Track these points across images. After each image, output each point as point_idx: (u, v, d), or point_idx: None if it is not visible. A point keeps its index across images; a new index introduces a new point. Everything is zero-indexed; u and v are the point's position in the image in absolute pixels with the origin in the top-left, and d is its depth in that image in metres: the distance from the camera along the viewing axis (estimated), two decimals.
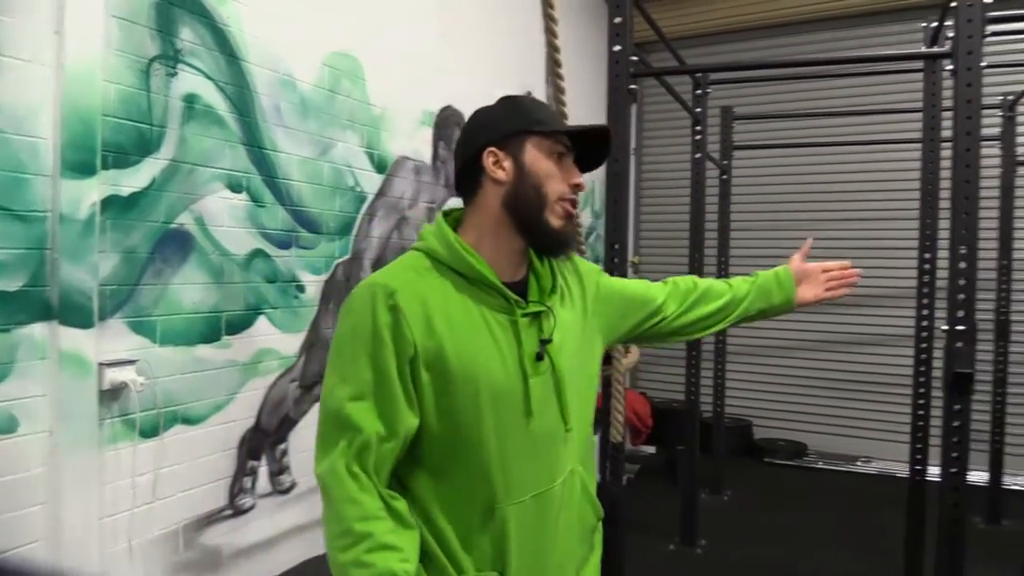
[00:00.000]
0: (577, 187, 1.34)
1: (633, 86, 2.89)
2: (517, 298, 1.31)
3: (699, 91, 4.54)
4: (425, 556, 1.28)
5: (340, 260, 3.45)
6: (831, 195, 6.37)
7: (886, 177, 6.11)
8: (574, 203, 1.34)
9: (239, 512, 2.94)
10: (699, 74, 4.55)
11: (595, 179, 6.29)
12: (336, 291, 3.41)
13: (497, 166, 1.32)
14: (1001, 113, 4.84)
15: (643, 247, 7.18)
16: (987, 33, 2.48)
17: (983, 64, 2.52)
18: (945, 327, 2.55)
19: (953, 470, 2.58)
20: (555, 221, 1.31)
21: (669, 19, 6.28)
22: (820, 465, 6.09)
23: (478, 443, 1.26)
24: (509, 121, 1.34)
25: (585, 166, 1.40)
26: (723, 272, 5.34)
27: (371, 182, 3.65)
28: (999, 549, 4.26)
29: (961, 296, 2.53)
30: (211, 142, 2.78)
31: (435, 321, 1.24)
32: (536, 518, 1.32)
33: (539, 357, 1.31)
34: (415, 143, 3.99)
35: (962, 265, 2.53)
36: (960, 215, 2.50)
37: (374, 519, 1.21)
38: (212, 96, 2.78)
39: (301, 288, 3.23)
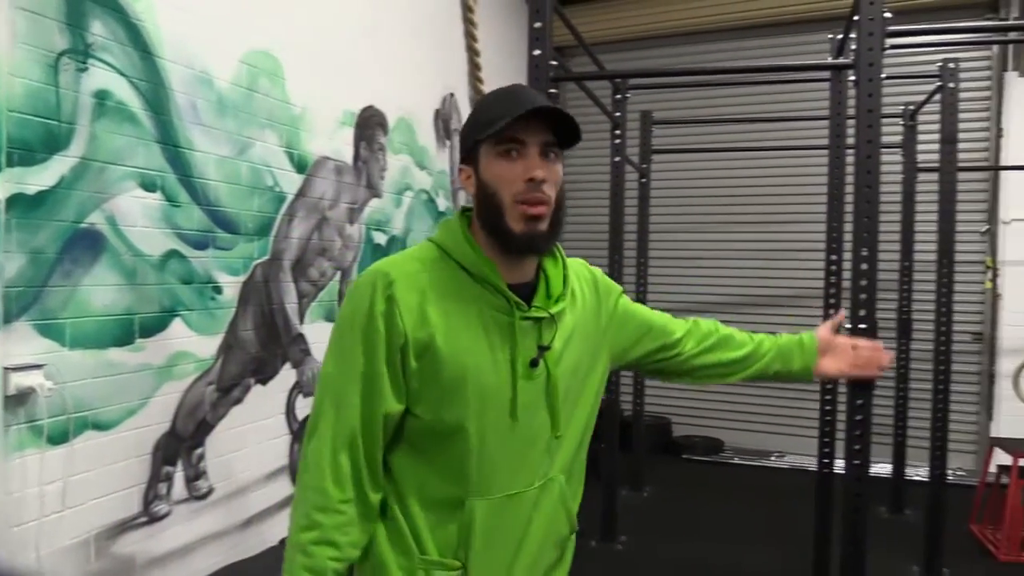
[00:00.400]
0: (532, 181, 1.25)
1: (553, 90, 2.93)
2: (518, 300, 1.30)
3: (618, 96, 4.63)
4: (395, 533, 1.31)
5: (259, 261, 3.40)
6: (745, 198, 6.57)
7: (796, 181, 6.35)
8: (535, 200, 1.26)
9: (154, 519, 2.87)
10: (618, 79, 4.63)
11: None
12: (254, 292, 3.36)
13: (468, 182, 1.33)
14: (903, 122, 5.08)
15: (563, 248, 7.26)
16: (887, 47, 2.59)
17: (883, 76, 2.64)
18: (848, 326, 2.66)
19: (856, 462, 2.69)
20: (515, 225, 1.26)
21: (589, 24, 6.39)
22: (736, 460, 6.26)
23: (459, 435, 1.27)
24: (468, 133, 1.33)
25: (565, 142, 1.32)
26: (642, 272, 5.46)
27: (291, 182, 3.60)
28: (902, 537, 4.47)
29: (863, 296, 2.65)
30: (123, 140, 2.71)
31: (430, 312, 1.25)
32: (505, 517, 1.32)
33: (534, 363, 1.30)
34: (336, 143, 3.96)
35: (863, 267, 2.65)
36: (862, 219, 2.62)
37: (332, 511, 1.24)
38: (125, 92, 2.71)
39: (218, 289, 3.17)
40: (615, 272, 4.64)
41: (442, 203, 5.21)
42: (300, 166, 3.67)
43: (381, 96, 4.37)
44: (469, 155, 1.32)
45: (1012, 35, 5.38)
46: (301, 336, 3.68)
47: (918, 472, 5.61)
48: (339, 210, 3.98)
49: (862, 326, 2.66)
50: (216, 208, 3.14)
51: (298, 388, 3.67)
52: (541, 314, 1.32)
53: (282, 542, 3.25)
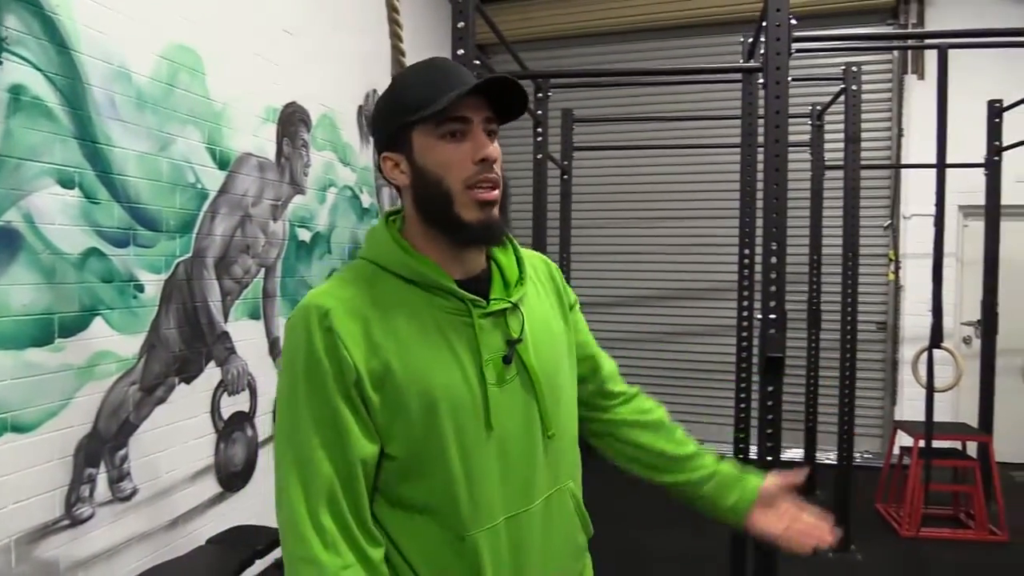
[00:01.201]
0: (485, 162, 1.13)
1: None
2: (474, 297, 1.17)
3: (540, 95, 4.72)
4: None
5: (181, 259, 3.36)
6: (664, 195, 6.77)
7: (711, 178, 6.57)
8: (490, 182, 1.14)
9: (77, 522, 2.81)
10: (540, 79, 4.72)
11: None
12: (177, 290, 3.32)
13: (396, 170, 1.18)
14: (811, 122, 5.32)
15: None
16: (793, 52, 2.73)
17: (790, 79, 2.79)
18: (759, 316, 2.81)
19: (769, 445, 2.84)
20: (468, 214, 1.13)
21: (511, 23, 6.48)
22: None
23: (440, 466, 1.12)
24: (391, 117, 1.16)
25: (506, 116, 1.20)
26: (564, 267, 5.56)
27: (213, 179, 3.57)
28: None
29: (772, 288, 2.79)
30: (40, 136, 2.65)
31: (377, 337, 1.11)
32: (513, 542, 1.17)
33: (507, 360, 1.17)
34: (259, 140, 3.93)
35: (773, 260, 2.79)
36: (771, 215, 2.76)
37: None
38: (41, 88, 2.65)
39: (140, 288, 3.12)
40: None
41: (366, 199, 5.21)
42: (222, 163, 3.63)
43: (304, 92, 4.35)
44: (395, 142, 1.17)
45: (910, 41, 5.71)
46: (226, 334, 3.65)
47: (828, 456, 5.88)
48: (262, 207, 3.95)
49: (772, 316, 2.81)
50: (136, 205, 3.09)
51: (223, 387, 3.63)
52: (502, 305, 1.20)
53: (208, 540, 3.24)
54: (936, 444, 4.82)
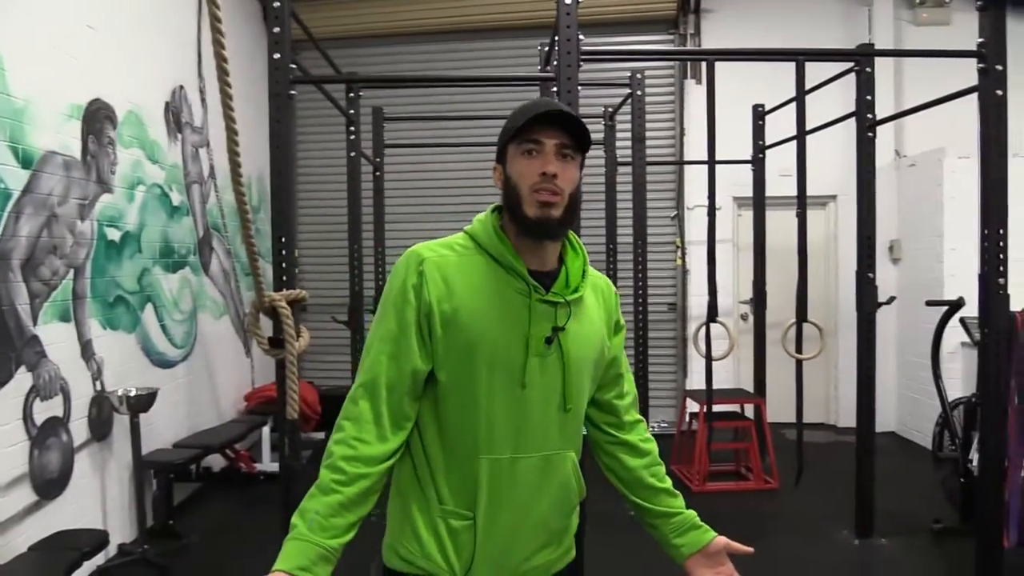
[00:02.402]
0: (545, 175, 1.42)
1: (293, 91, 3.13)
2: (536, 284, 1.45)
3: (351, 95, 4.87)
4: (418, 480, 1.48)
5: None
6: (472, 189, 7.09)
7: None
8: (549, 190, 1.42)
9: None
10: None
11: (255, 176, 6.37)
12: None
13: (499, 178, 1.51)
14: (603, 122, 5.80)
15: (303, 243, 7.34)
16: (581, 64, 3.07)
17: (580, 85, 3.13)
18: None
19: None
20: (531, 211, 1.43)
21: (318, 20, 6.55)
22: None
23: (470, 399, 1.43)
24: (501, 137, 1.51)
25: (582, 147, 1.49)
26: (379, 261, 5.76)
27: (16, 178, 3.46)
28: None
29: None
30: None
31: (456, 289, 1.43)
32: (510, 479, 1.45)
33: (548, 341, 1.45)
34: (63, 138, 3.84)
35: None
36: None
37: (343, 444, 1.41)
38: None
39: None
40: (353, 262, 4.91)
41: (176, 197, 5.15)
42: (25, 161, 3.53)
43: (109, 89, 4.26)
44: (499, 155, 1.52)
45: (688, 57, 6.34)
46: (36, 338, 3.56)
47: None
48: (69, 206, 3.86)
49: None
50: None
51: (35, 392, 3.54)
52: (557, 299, 1.47)
53: (30, 548, 3.18)
54: (718, 408, 5.47)
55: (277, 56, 3.12)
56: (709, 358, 4.48)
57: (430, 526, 1.46)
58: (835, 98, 5.06)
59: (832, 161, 6.63)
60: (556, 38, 3.10)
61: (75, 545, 3.11)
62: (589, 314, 1.55)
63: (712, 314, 4.35)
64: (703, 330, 4.62)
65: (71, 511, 3.76)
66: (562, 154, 1.45)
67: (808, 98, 4.02)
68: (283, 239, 3.09)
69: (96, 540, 3.17)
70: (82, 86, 4.03)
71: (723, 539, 1.58)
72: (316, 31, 4.17)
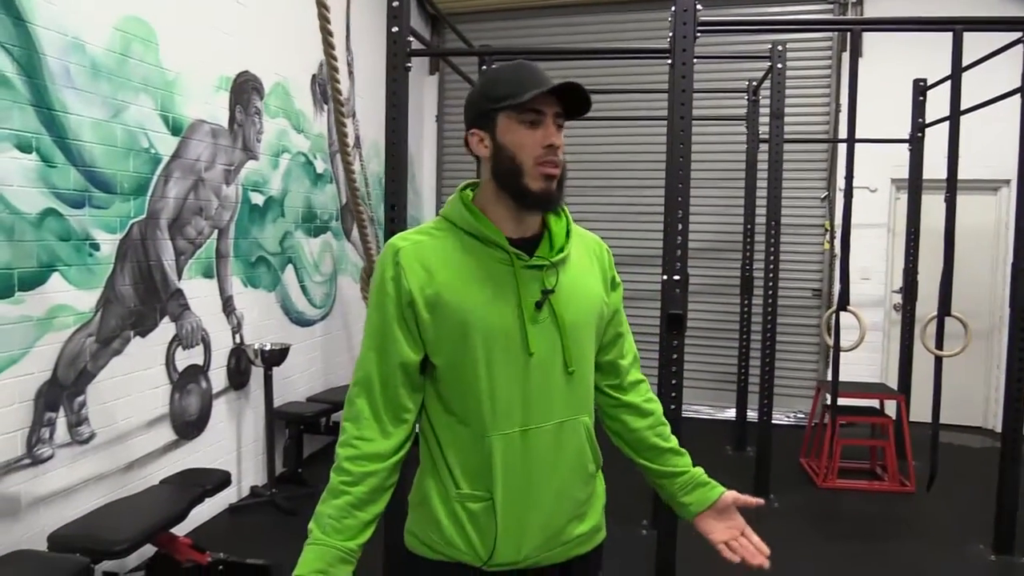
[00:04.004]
0: (551, 147, 1.41)
1: (409, 64, 3.21)
2: (517, 252, 1.44)
3: (484, 67, 4.92)
4: (435, 469, 1.48)
5: (136, 220, 3.57)
6: (599, 164, 7.03)
7: (643, 149, 6.90)
8: (553, 163, 1.42)
9: (37, 461, 3.05)
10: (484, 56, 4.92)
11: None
12: (132, 249, 3.54)
13: (480, 144, 1.46)
14: (747, 97, 5.55)
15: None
16: (697, 36, 2.97)
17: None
18: (664, 277, 3.08)
19: (672, 406, 3.10)
20: (535, 184, 1.41)
21: None
22: None
23: (470, 377, 1.42)
24: (484, 101, 1.45)
25: (575, 112, 1.46)
26: None
27: (166, 144, 3.77)
28: (742, 471, 5.04)
29: (678, 252, 3.07)
30: None
31: (436, 272, 1.42)
32: (525, 451, 1.44)
33: (538, 305, 1.43)
34: (212, 107, 4.13)
35: (679, 227, 3.07)
36: (675, 185, 3.03)
37: (346, 445, 1.43)
38: None
39: (96, 246, 3.33)
40: None
41: (320, 165, 5.42)
42: (175, 129, 3.83)
43: (257, 61, 4.54)
44: (482, 121, 1.45)
45: (825, 28, 5.94)
46: (180, 292, 3.88)
47: (753, 415, 6.21)
48: (215, 171, 4.16)
49: (676, 278, 3.08)
50: (92, 169, 3.29)
51: (177, 341, 3.87)
52: (542, 262, 1.46)
53: (161, 481, 3.50)
54: (855, 403, 5.18)
55: (395, 30, 3.20)
56: (837, 348, 4.25)
57: (449, 513, 1.46)
58: (1014, 71, 4.61)
59: (1007, 142, 6.05)
60: (673, 9, 3.00)
61: (200, 482, 3.39)
62: (582, 273, 1.53)
63: (843, 302, 4.12)
64: (832, 318, 4.39)
65: (207, 452, 4.10)
66: (557, 124, 1.44)
67: (980, 71, 3.67)
68: (394, 207, 3.20)
69: (219, 479, 3.44)
70: (231, 59, 4.31)
71: (732, 494, 1.58)
72: (445, 7, 4.24)
